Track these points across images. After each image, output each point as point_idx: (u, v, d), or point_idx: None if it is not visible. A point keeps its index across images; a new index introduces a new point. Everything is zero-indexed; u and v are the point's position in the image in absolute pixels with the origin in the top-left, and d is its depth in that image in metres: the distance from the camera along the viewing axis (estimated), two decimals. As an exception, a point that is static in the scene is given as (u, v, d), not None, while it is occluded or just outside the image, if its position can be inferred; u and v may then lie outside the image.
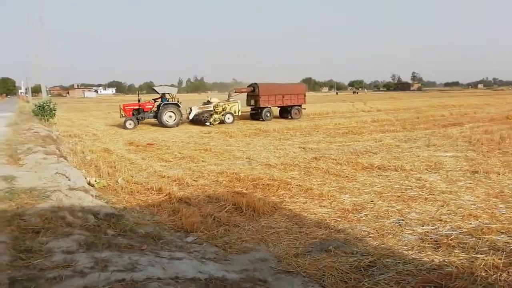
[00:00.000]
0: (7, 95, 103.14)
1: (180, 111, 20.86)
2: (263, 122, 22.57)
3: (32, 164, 7.80)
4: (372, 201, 6.44)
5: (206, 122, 21.09)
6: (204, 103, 22.75)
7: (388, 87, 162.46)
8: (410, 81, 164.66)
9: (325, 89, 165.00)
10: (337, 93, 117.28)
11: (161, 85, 28.05)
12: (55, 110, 21.38)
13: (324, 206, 6.30)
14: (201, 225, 5.48)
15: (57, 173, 7.21)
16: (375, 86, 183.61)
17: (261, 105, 23.42)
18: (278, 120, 23.82)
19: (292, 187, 7.38)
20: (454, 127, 16.90)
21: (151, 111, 21.06)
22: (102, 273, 3.20)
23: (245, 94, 24.61)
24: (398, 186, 7.33)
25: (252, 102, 24.11)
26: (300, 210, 6.18)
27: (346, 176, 8.19)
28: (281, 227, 5.44)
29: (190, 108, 22.00)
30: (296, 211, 6.11)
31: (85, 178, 7.80)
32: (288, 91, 24.55)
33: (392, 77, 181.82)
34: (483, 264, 3.92)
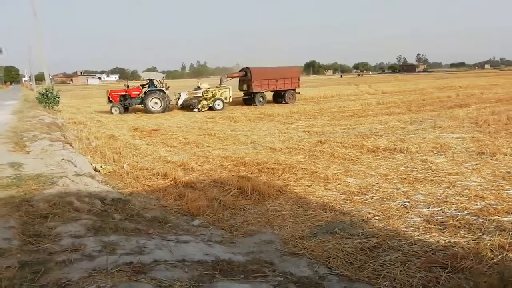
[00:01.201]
0: (11, 83, 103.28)
1: (165, 97, 20.53)
2: (267, 106, 22.39)
3: (38, 151, 7.85)
4: (377, 184, 6.42)
5: (194, 108, 20.74)
6: (195, 89, 22.23)
7: (393, 69, 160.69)
8: (415, 63, 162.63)
9: (330, 72, 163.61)
10: (341, 76, 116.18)
11: (147, 71, 27.88)
12: (58, 97, 21.37)
13: (329, 189, 6.30)
14: (207, 209, 5.52)
15: (63, 159, 7.26)
16: (380, 68, 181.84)
17: (254, 90, 22.80)
18: (282, 104, 23.67)
19: (297, 170, 7.37)
20: (461, 108, 16.70)
21: (138, 97, 20.94)
22: (110, 256, 3.24)
23: (238, 79, 23.99)
24: (404, 168, 7.30)
25: (245, 87, 23.46)
26: (305, 193, 6.19)
27: (351, 159, 8.16)
28: (287, 210, 5.46)
29: (179, 94, 21.63)
30: (302, 194, 6.12)
31: (91, 164, 7.85)
32: (282, 75, 23.87)
33: (398, 58, 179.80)
34: (489, 244, 3.92)
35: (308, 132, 12.23)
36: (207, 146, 10.52)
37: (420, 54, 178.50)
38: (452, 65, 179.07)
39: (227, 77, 23.47)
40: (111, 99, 20.70)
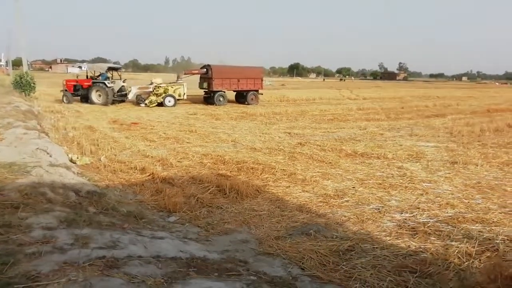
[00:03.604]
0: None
1: (106, 90, 20.29)
2: (249, 106, 22.34)
3: (12, 139, 7.62)
4: (353, 188, 6.54)
5: (140, 103, 20.42)
6: (149, 84, 21.75)
7: (374, 75, 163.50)
8: (396, 71, 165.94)
9: (313, 75, 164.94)
10: (324, 79, 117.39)
11: (93, 63, 27.78)
12: (34, 83, 20.76)
13: (306, 191, 6.38)
14: (184, 205, 5.50)
15: (38, 148, 7.07)
16: (362, 74, 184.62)
17: (214, 89, 22.17)
18: (264, 104, 23.72)
19: (276, 171, 7.42)
20: (437, 118, 17.18)
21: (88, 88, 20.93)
22: (82, 250, 3.19)
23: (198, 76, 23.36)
24: (380, 173, 7.46)
25: (205, 85, 22.81)
26: (283, 194, 6.24)
27: (330, 162, 8.28)
28: (264, 210, 5.50)
29: (130, 88, 21.33)
30: (279, 195, 6.17)
31: (67, 155, 7.68)
32: (244, 75, 23.38)
33: (380, 66, 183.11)
34: (456, 251, 4.05)
35: (289, 133, 12.32)
36: (187, 142, 10.45)
37: (402, 63, 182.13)
38: (431, 76, 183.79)
39: (185, 74, 22.81)
40: (65, 87, 20.78)
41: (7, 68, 59.17)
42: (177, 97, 21.23)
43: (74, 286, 2.58)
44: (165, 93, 20.90)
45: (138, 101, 20.68)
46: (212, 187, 6.35)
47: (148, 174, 7.08)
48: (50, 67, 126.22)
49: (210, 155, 8.66)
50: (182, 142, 10.48)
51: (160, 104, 20.53)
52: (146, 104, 20.26)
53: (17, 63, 63.14)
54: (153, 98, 20.56)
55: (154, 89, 20.83)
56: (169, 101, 20.78)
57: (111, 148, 9.16)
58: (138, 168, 7.40)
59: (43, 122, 12.43)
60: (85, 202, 4.86)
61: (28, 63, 29.86)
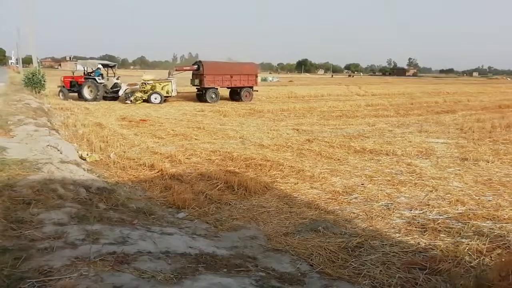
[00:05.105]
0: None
1: (97, 86, 20.53)
2: (256, 102, 22.25)
3: (23, 136, 7.72)
4: (362, 184, 6.51)
5: (126, 100, 20.33)
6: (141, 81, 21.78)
7: (383, 71, 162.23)
8: (406, 67, 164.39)
9: (321, 71, 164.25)
10: (332, 75, 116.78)
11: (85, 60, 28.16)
12: (44, 81, 21.03)
13: (315, 188, 6.36)
14: (192, 202, 5.52)
15: (48, 145, 7.16)
16: (371, 70, 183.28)
17: (206, 86, 21.51)
18: (272, 101, 23.67)
19: (284, 168, 7.41)
20: (447, 114, 16.99)
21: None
22: (93, 245, 3.23)
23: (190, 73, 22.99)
24: (389, 170, 7.41)
25: (197, 81, 22.18)
26: (291, 190, 6.24)
27: (338, 159, 8.24)
28: (272, 207, 5.50)
29: (121, 85, 21.46)
30: (287, 192, 6.16)
31: (77, 152, 7.76)
32: (237, 71, 22.73)
33: (388, 61, 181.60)
34: (467, 248, 4.02)
35: (297, 130, 12.29)
36: (195, 139, 10.49)
37: (411, 59, 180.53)
38: (442, 71, 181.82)
39: (176, 70, 22.49)
40: (63, 83, 21.30)
41: (17, 66, 59.77)
42: (164, 94, 20.86)
43: (86, 281, 2.61)
44: (152, 90, 20.66)
45: (125, 97, 20.70)
46: (221, 183, 6.36)
47: (157, 170, 7.12)
48: (60, 65, 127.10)
49: (218, 152, 8.68)
50: (190, 139, 10.52)
51: (147, 101, 20.31)
52: (131, 100, 20.13)
53: (27, 61, 63.78)
54: (138, 94, 20.39)
55: (141, 85, 20.72)
56: (155, 98, 20.39)
57: (120, 145, 9.23)
58: (147, 165, 7.45)
59: (53, 119, 12.57)
60: (95, 198, 4.91)
61: (38, 60, 30.12)
